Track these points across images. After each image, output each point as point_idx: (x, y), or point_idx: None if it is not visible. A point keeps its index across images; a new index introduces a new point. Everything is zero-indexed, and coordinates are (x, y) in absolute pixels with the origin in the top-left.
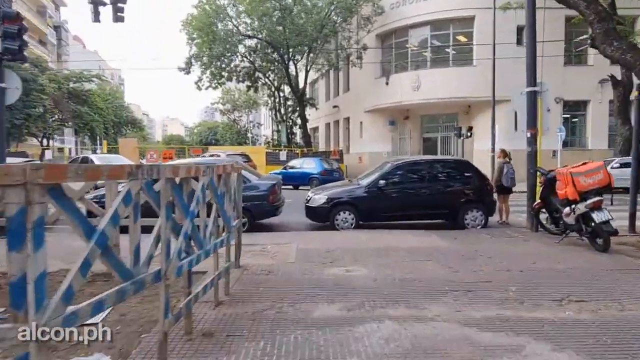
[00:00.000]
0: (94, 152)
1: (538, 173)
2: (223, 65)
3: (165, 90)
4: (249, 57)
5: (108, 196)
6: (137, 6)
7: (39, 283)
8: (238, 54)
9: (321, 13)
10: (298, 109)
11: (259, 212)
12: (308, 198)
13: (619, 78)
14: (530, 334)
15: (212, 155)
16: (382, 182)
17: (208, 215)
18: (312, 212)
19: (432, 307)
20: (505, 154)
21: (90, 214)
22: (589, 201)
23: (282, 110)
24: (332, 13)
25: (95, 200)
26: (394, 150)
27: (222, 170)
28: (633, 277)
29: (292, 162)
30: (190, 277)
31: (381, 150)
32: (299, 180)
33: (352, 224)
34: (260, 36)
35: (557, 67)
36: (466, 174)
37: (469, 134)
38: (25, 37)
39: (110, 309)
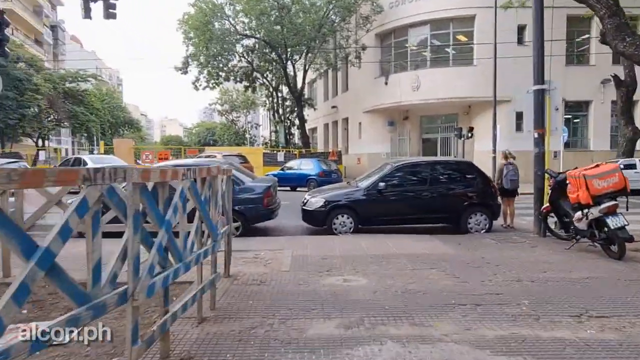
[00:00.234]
0: (91, 152)
1: (546, 175)
2: (220, 65)
3: (164, 91)
4: (246, 57)
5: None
6: (137, 6)
7: None
8: (235, 53)
9: (319, 12)
10: (296, 109)
11: (253, 216)
12: (304, 201)
13: (622, 78)
14: (552, 359)
15: (208, 156)
16: (382, 184)
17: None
18: (308, 215)
19: (439, 325)
20: (505, 155)
21: None
22: (604, 205)
23: (280, 111)
24: (331, 12)
25: None
26: (393, 151)
27: (206, 172)
28: None
29: (290, 163)
30: (167, 294)
31: (380, 151)
32: (297, 182)
33: (350, 228)
34: (258, 36)
35: (559, 67)
36: (469, 176)
37: (469, 134)
38: (20, 36)
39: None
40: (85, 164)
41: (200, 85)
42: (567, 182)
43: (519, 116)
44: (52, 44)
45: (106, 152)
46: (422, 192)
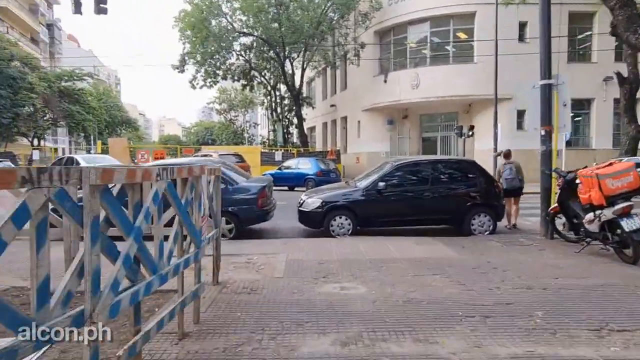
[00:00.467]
0: (88, 152)
1: (554, 174)
2: (218, 64)
3: (162, 91)
4: (244, 55)
5: None
6: (134, 3)
7: None
8: (233, 51)
9: (318, 9)
10: (294, 108)
11: (247, 217)
12: (301, 201)
13: (625, 75)
14: None
15: (204, 155)
16: (381, 184)
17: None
18: (305, 216)
19: (445, 341)
20: (505, 155)
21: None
22: (618, 207)
23: (279, 110)
24: (329, 9)
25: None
26: (393, 150)
27: (187, 172)
28: None
29: (287, 163)
30: (137, 312)
31: (379, 150)
32: (294, 182)
33: (348, 230)
34: (255, 33)
35: (561, 64)
36: (472, 175)
37: (470, 133)
38: (15, 34)
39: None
40: (77, 163)
41: (197, 83)
42: (578, 181)
43: (520, 114)
44: (48, 43)
45: (103, 152)
46: (424, 192)
